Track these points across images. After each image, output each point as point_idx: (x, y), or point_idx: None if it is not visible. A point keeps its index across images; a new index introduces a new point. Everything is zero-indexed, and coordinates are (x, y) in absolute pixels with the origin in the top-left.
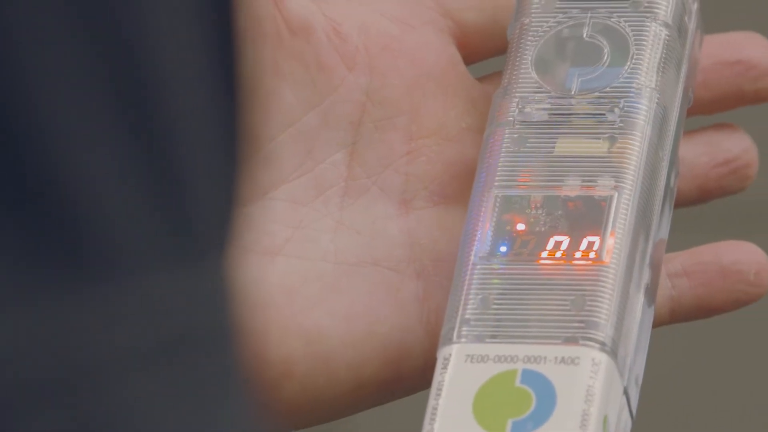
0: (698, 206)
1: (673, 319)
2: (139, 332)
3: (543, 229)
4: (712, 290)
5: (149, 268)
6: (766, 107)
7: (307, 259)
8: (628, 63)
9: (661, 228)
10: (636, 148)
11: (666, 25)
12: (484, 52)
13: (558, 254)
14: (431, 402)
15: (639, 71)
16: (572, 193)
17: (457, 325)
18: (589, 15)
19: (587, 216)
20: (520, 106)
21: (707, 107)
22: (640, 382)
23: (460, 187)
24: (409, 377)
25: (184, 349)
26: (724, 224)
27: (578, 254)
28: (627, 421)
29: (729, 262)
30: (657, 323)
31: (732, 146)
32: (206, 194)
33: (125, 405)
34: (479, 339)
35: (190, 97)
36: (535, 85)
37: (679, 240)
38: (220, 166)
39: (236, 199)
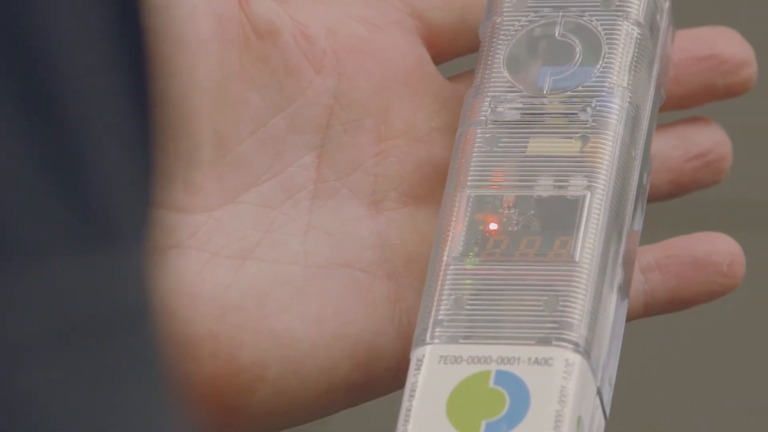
0: (679, 205)
1: (647, 312)
2: (38, 317)
3: (516, 229)
4: (685, 283)
5: (49, 253)
6: (740, 103)
7: (278, 263)
8: (600, 62)
9: (634, 224)
10: (608, 147)
11: (638, 23)
12: (453, 52)
13: (531, 254)
14: (405, 403)
15: (611, 70)
16: (545, 193)
17: (431, 326)
18: (560, 14)
19: (560, 216)
20: (492, 106)
21: (679, 103)
22: (613, 382)
23: (430, 188)
24: (382, 379)
25: (86, 335)
26: (706, 222)
27: (551, 254)
28: (600, 422)
29: (702, 253)
30: (631, 317)
31: (704, 139)
32: (114, 182)
33: (23, 390)
34: (452, 340)
35: (97, 86)
36: (507, 84)
37: (659, 239)
38: (130, 156)
39: (150, 188)
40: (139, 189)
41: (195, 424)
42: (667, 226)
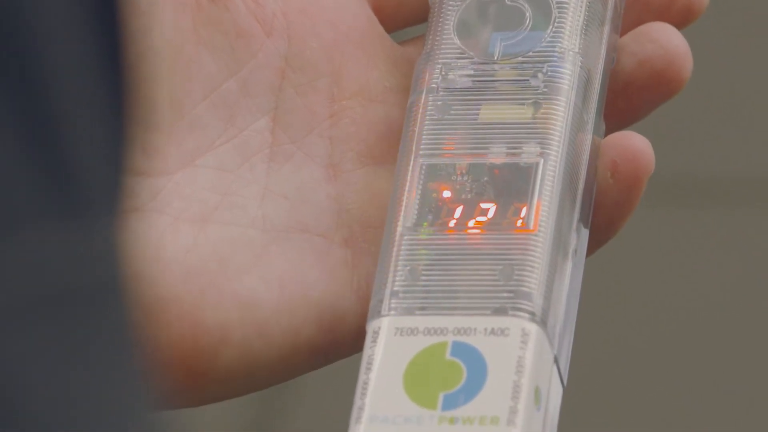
0: (674, 183)
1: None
2: (17, 287)
3: (469, 196)
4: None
5: (24, 223)
6: (737, 83)
7: (237, 226)
8: (551, 27)
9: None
10: (560, 113)
11: None
12: (401, 18)
13: (485, 223)
14: (362, 376)
15: (562, 35)
16: (498, 161)
17: (386, 297)
18: None
19: (513, 183)
20: (443, 73)
21: None
22: (570, 350)
23: (387, 147)
24: (344, 342)
25: (64, 305)
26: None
27: (505, 223)
28: (558, 390)
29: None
30: None
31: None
32: (89, 152)
33: (2, 361)
34: (408, 312)
35: (70, 54)
36: (458, 50)
37: (656, 215)
38: (104, 126)
39: (123, 159)
40: (112, 159)
41: (165, 393)
42: (669, 201)
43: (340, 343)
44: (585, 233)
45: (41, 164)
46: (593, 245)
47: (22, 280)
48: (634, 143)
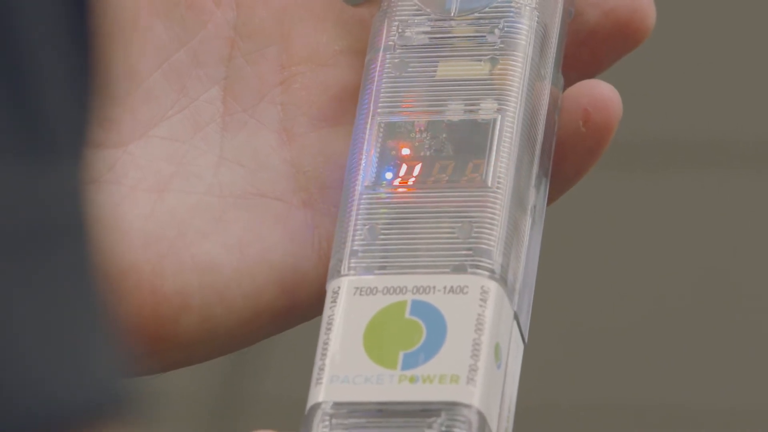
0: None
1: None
2: None
3: (428, 153)
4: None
5: None
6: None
7: (194, 194)
8: None
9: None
10: (518, 69)
11: None
12: None
13: (444, 180)
14: (322, 337)
15: None
16: (455, 117)
17: (346, 257)
18: None
19: (471, 140)
20: (399, 30)
21: None
22: (531, 306)
23: (340, 109)
24: (306, 304)
25: (25, 243)
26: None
27: (464, 180)
28: (519, 346)
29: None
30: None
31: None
32: (55, 93)
33: None
34: (368, 271)
35: (39, 6)
36: (415, 7)
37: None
38: (70, 67)
39: (89, 101)
40: (78, 102)
41: (128, 360)
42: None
43: (302, 306)
44: (544, 190)
45: (6, 103)
46: (556, 193)
47: None
48: (603, 91)
